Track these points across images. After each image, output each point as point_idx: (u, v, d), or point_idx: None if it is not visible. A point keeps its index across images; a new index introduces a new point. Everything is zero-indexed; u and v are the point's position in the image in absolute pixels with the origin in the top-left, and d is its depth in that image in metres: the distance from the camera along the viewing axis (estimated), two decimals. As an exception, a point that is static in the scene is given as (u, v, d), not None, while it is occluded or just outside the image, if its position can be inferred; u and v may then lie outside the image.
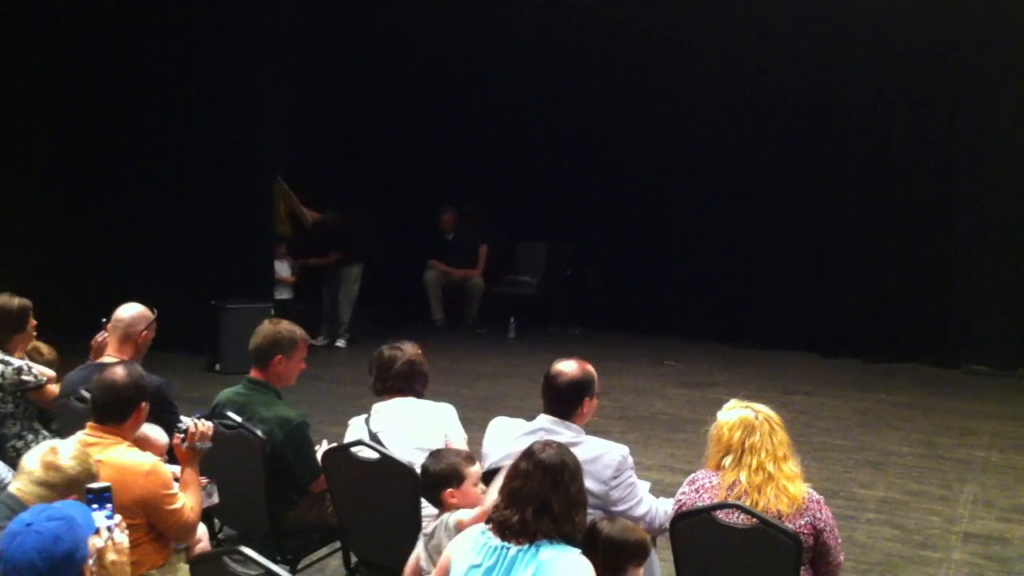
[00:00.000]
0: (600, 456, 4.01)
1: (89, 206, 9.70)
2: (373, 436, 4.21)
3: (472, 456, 3.74)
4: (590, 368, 4.24)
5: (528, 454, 3.31)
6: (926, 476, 6.56)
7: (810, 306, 10.02)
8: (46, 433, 5.11)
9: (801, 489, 3.56)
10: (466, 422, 4.65)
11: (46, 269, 9.20)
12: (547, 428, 4.11)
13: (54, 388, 5.06)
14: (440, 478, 3.65)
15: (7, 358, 5.13)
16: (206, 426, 3.90)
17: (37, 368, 5.17)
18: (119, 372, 3.78)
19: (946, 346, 9.39)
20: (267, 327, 4.55)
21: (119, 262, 9.41)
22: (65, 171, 9.76)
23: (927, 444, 7.20)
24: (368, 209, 10.80)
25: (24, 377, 5.06)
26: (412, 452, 4.08)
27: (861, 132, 9.77)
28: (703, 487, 3.74)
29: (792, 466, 3.58)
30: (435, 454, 3.78)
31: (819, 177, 9.99)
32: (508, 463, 3.89)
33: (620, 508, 4.07)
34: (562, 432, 4.08)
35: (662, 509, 4.12)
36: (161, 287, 8.69)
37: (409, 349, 4.48)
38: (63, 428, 4.70)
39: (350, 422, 4.43)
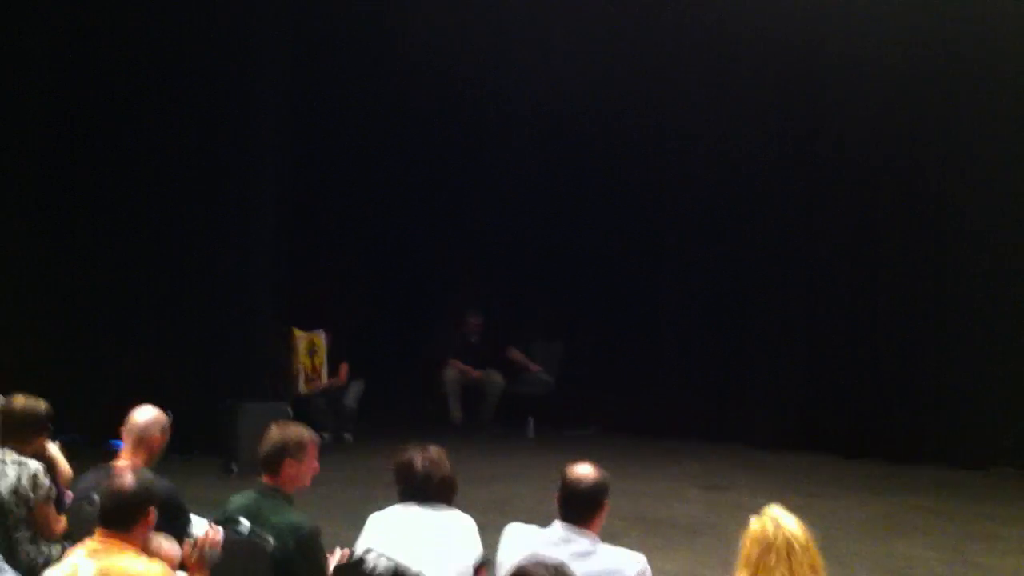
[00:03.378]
0: (617, 567, 3.94)
1: (102, 305, 9.69)
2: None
3: None
4: (605, 472, 4.20)
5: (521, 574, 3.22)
6: (954, 584, 6.41)
7: (833, 407, 9.89)
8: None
9: None
10: (481, 527, 4.59)
11: (58, 369, 9.16)
12: (563, 536, 4.05)
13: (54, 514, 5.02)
14: None
15: (24, 460, 5.10)
16: (216, 534, 3.85)
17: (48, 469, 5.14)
18: (127, 478, 3.76)
19: (972, 447, 9.23)
20: (275, 431, 4.52)
21: (132, 361, 9.37)
22: (77, 270, 9.77)
23: (954, 550, 7.03)
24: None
25: (40, 480, 5.02)
26: (435, 565, 4.02)
27: (869, 224, 9.76)
28: (722, 599, 3.65)
29: None
30: None
31: (835, 276, 9.95)
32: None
33: (638, 621, 3.99)
34: (577, 540, 4.02)
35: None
36: (175, 387, 8.70)
37: (444, 462, 4.42)
38: (75, 532, 4.66)
39: (370, 518, 4.38)
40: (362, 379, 10.16)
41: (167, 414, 4.99)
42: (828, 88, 9.72)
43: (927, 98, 9.35)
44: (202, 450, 8.94)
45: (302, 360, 9.83)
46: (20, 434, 5.16)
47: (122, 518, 3.68)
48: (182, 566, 3.92)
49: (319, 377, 9.92)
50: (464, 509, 4.55)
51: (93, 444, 6.54)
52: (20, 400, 5.21)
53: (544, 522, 4.17)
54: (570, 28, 10.24)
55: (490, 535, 4.32)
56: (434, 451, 4.43)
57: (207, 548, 3.81)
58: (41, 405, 5.24)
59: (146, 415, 4.88)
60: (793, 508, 3.67)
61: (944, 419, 9.38)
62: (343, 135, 11.01)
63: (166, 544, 4.00)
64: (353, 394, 10.10)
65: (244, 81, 9.55)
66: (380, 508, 4.44)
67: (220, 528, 3.91)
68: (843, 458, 9.52)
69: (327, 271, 11.03)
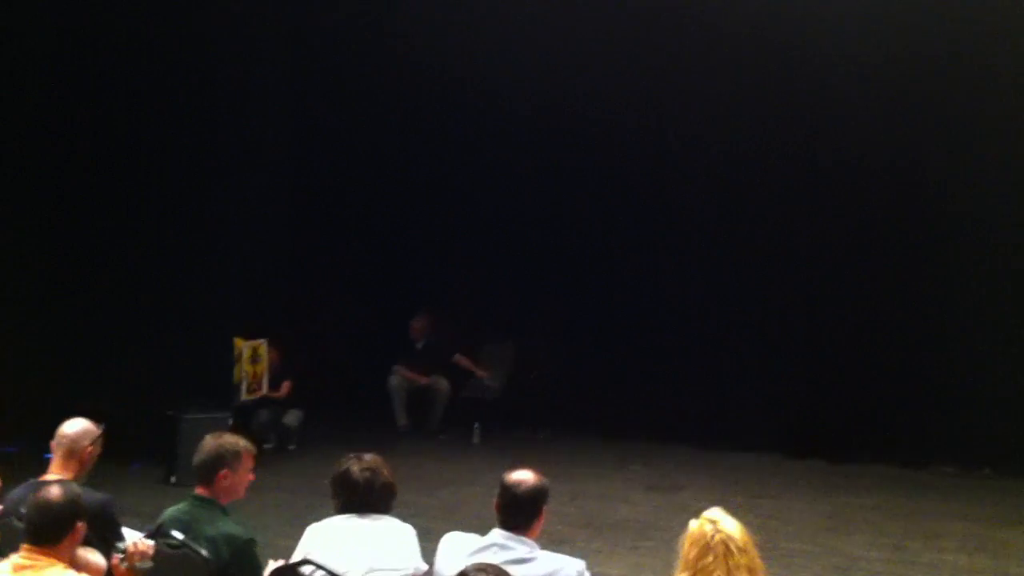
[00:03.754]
0: (556, 572, 3.92)
1: (43, 314, 9.55)
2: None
3: None
4: (543, 478, 4.18)
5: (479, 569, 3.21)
6: (895, 582, 6.46)
7: (776, 407, 9.94)
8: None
9: None
10: (427, 532, 4.55)
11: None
12: (500, 543, 4.02)
13: None
14: None
15: None
16: (146, 545, 3.79)
17: None
18: (54, 492, 3.68)
19: (913, 447, 9.33)
20: (209, 441, 4.47)
21: (72, 369, 9.25)
22: (17, 275, 9.61)
23: (895, 548, 7.09)
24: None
25: None
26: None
27: (824, 225, 9.80)
28: (664, 601, 3.63)
29: None
30: None
31: (784, 277, 10.01)
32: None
33: (578, 626, 3.97)
34: (516, 547, 4.00)
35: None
36: (115, 396, 8.59)
37: (382, 469, 4.36)
38: (4, 547, 4.55)
39: (307, 529, 4.32)
40: (301, 410, 10.04)
41: (99, 425, 4.89)
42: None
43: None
44: (143, 459, 8.84)
45: (245, 368, 9.72)
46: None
47: (48, 533, 3.62)
48: None
49: (260, 386, 9.81)
50: (411, 516, 4.51)
51: (31, 456, 6.41)
52: None
53: (490, 529, 4.14)
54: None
55: (436, 542, 4.28)
56: (371, 459, 4.39)
57: (137, 560, 3.74)
58: None
59: (75, 427, 4.78)
60: (737, 508, 3.68)
61: (885, 418, 9.46)
62: (302, 141, 10.96)
63: (92, 557, 3.92)
64: (293, 416, 9.99)
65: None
66: (320, 518, 4.39)
67: (150, 540, 3.84)
68: (787, 458, 9.57)
69: (278, 279, 10.92)
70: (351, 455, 4.41)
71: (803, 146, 9.87)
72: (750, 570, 3.48)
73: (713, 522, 3.53)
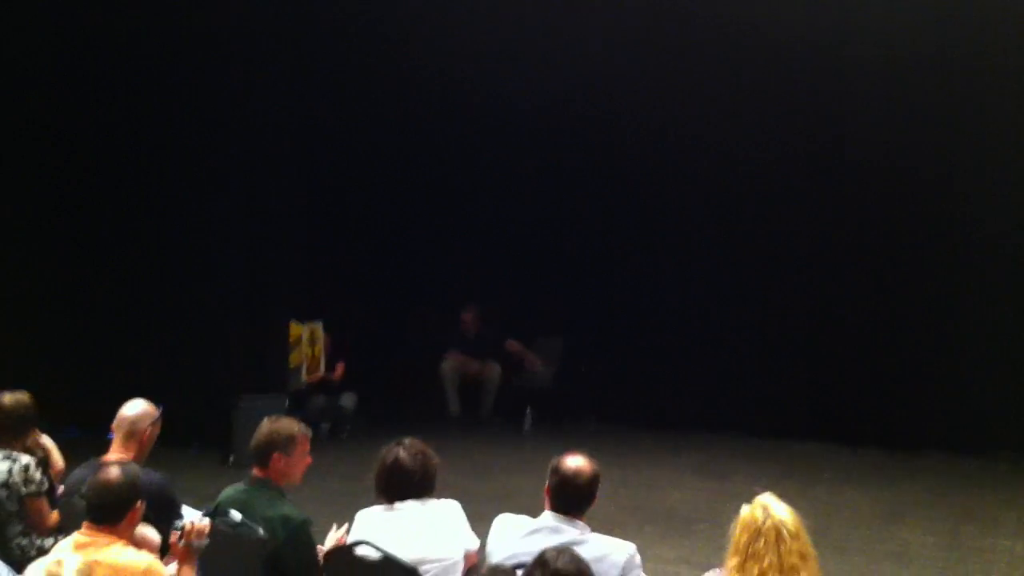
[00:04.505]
0: (606, 556, 3.94)
1: (99, 298, 9.72)
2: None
3: None
4: (597, 463, 4.20)
5: (542, 563, 3.24)
6: (950, 568, 6.41)
7: (830, 395, 9.89)
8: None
9: None
10: (479, 516, 4.58)
11: (54, 364, 9.20)
12: (552, 526, 4.05)
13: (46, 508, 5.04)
14: None
15: (15, 454, 5.12)
16: (203, 524, 3.87)
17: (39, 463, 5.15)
18: (113, 473, 3.78)
19: (969, 433, 9.23)
20: (265, 425, 4.54)
21: (131, 355, 9.40)
22: (77, 263, 9.80)
23: (951, 535, 7.04)
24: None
25: (31, 474, 5.03)
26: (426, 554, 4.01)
27: (870, 217, 9.73)
28: (715, 588, 3.64)
29: None
30: (478, 571, 3.61)
31: (831, 264, 9.92)
32: (512, 562, 3.83)
33: (629, 607, 3.99)
34: (567, 530, 4.03)
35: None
36: (174, 380, 8.72)
37: (428, 451, 4.38)
38: (66, 526, 4.68)
39: (357, 515, 4.37)
40: (355, 392, 10.14)
41: (158, 407, 4.99)
42: (834, 82, 9.63)
43: (927, 92, 9.26)
44: (201, 443, 8.99)
45: (304, 350, 9.85)
46: (9, 429, 5.17)
47: (107, 512, 3.71)
48: (163, 554, 3.95)
49: (319, 367, 9.93)
50: (462, 501, 4.53)
51: (92, 438, 6.55)
52: (8, 397, 5.23)
53: (541, 513, 4.16)
54: (574, 23, 10.19)
55: (488, 526, 4.31)
56: (414, 442, 4.39)
57: (194, 538, 3.83)
58: (26, 399, 5.26)
59: (135, 409, 4.89)
60: (790, 496, 3.67)
61: (941, 406, 9.36)
62: (344, 129, 10.99)
63: (147, 533, 4.02)
64: (348, 399, 10.09)
65: (244, 78, 9.58)
66: (374, 502, 4.42)
67: (207, 518, 3.92)
68: (841, 446, 9.49)
69: (328, 266, 10.99)
70: (392, 443, 4.39)
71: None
72: (802, 556, 3.47)
73: (765, 508, 3.53)
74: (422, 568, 3.99)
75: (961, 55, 9.10)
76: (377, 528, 4.19)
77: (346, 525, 4.35)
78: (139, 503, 3.76)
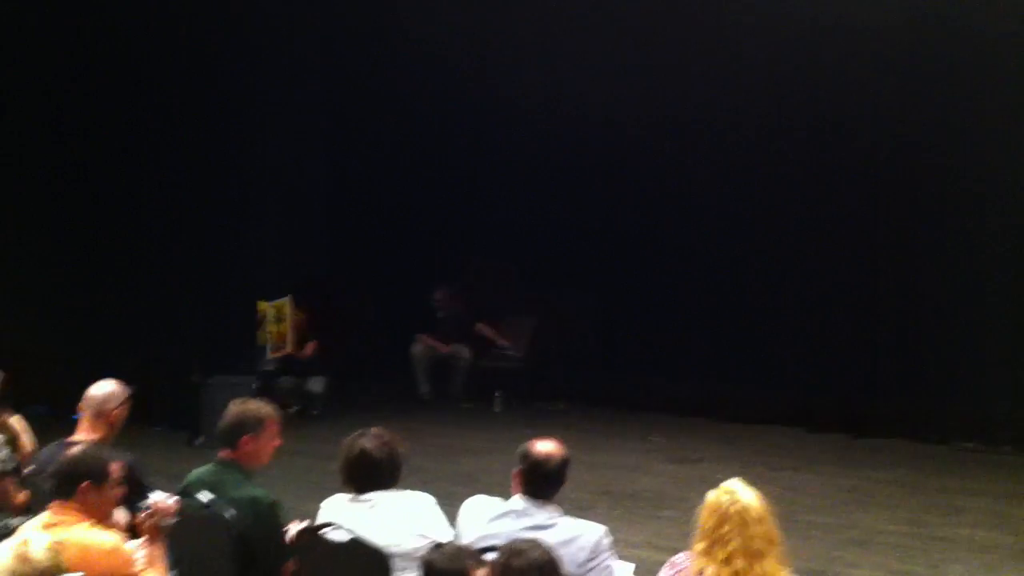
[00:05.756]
0: (575, 538, 3.96)
1: (68, 276, 9.66)
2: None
3: (481, 559, 3.53)
4: (566, 448, 4.22)
5: (516, 552, 3.25)
6: (912, 556, 6.46)
7: (796, 380, 9.97)
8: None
9: None
10: (450, 497, 4.59)
11: (24, 341, 9.12)
12: (521, 510, 4.07)
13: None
14: None
15: None
16: (169, 503, 3.87)
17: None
18: (74, 452, 3.78)
19: (934, 422, 9.32)
20: (234, 407, 4.53)
21: (101, 333, 9.36)
22: (48, 242, 9.73)
23: (913, 522, 7.11)
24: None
25: None
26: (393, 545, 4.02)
27: (848, 197, 9.78)
28: (682, 570, 3.67)
29: (770, 563, 3.45)
30: (442, 549, 3.59)
31: (803, 247, 9.99)
32: (481, 545, 3.85)
33: (597, 590, 4.02)
34: (536, 514, 4.05)
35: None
36: (143, 359, 8.70)
37: (395, 441, 4.35)
38: (35, 506, 4.65)
39: (324, 503, 4.36)
40: (324, 376, 10.12)
41: (128, 388, 4.97)
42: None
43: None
44: (169, 422, 8.96)
45: (269, 328, 9.82)
46: (-25, 408, 5.14)
47: (65, 490, 3.71)
48: (132, 535, 3.95)
49: (284, 344, 9.90)
50: (432, 482, 4.55)
51: (61, 417, 6.52)
52: None
53: (511, 495, 4.18)
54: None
55: (458, 508, 4.31)
56: (380, 431, 4.33)
57: (160, 516, 3.83)
58: None
59: (103, 389, 4.87)
60: (756, 480, 3.70)
61: (908, 394, 9.46)
62: (325, 105, 10.96)
63: (116, 515, 4.01)
64: (317, 383, 10.08)
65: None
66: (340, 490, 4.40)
67: (173, 497, 3.92)
68: (808, 432, 9.57)
69: (297, 244, 10.97)
70: (356, 434, 4.33)
71: (818, 117, 9.83)
72: (767, 540, 3.51)
73: (730, 492, 3.57)
74: (391, 559, 3.98)
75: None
76: (345, 516, 4.18)
77: (307, 521, 4.34)
78: (100, 486, 3.74)
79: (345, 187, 11.52)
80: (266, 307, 9.76)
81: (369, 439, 4.27)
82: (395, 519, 4.13)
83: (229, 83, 9.68)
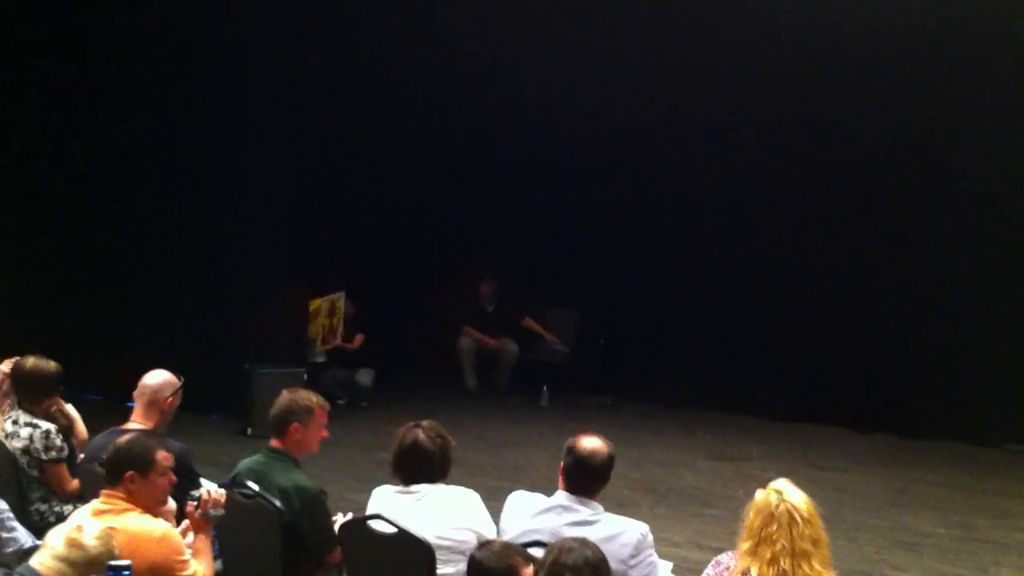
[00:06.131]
0: (618, 535, 3.97)
1: (121, 267, 9.79)
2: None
3: (530, 557, 3.53)
4: (611, 445, 4.22)
5: (567, 549, 3.26)
6: (961, 559, 6.41)
7: (846, 380, 9.88)
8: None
9: None
10: (494, 491, 4.62)
11: (78, 331, 9.28)
12: (565, 505, 4.08)
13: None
14: (496, 574, 3.43)
15: (37, 421, 5.18)
16: (219, 493, 3.92)
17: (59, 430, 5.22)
18: (127, 440, 3.84)
19: (985, 423, 9.22)
20: (284, 396, 4.58)
21: (152, 324, 9.47)
22: (100, 232, 9.86)
23: (963, 525, 7.04)
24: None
25: (51, 440, 5.10)
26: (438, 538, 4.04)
27: (884, 202, 9.68)
28: (727, 569, 3.66)
29: (816, 564, 3.42)
30: (490, 546, 3.55)
31: (851, 251, 9.89)
32: (524, 540, 3.87)
33: (641, 588, 4.03)
34: (580, 510, 4.06)
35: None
36: (196, 348, 8.80)
37: (446, 434, 4.37)
38: (86, 492, 4.74)
39: (374, 492, 4.40)
40: (372, 368, 10.20)
41: (179, 377, 5.05)
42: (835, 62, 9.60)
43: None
44: (221, 411, 9.07)
45: (321, 321, 9.92)
46: (32, 395, 5.24)
47: (117, 479, 3.78)
48: (179, 522, 4.02)
49: (335, 337, 9.99)
50: (478, 476, 4.58)
51: (113, 405, 6.63)
52: (31, 361, 5.29)
53: (555, 490, 4.19)
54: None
55: (502, 502, 4.33)
56: (434, 426, 4.36)
57: (210, 507, 3.88)
58: (52, 366, 5.32)
59: (157, 378, 4.95)
60: (803, 480, 3.69)
61: (958, 395, 9.34)
62: (374, 101, 10.99)
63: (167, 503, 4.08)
64: (366, 375, 10.16)
65: (269, 43, 9.65)
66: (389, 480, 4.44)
67: (222, 488, 3.98)
68: (856, 432, 9.50)
69: (347, 237, 11.02)
70: (411, 424, 4.37)
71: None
72: (814, 541, 3.49)
73: (779, 492, 3.55)
74: (436, 550, 4.00)
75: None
76: (392, 507, 4.21)
77: (350, 514, 4.38)
78: (146, 475, 3.80)
79: (392, 182, 11.55)
80: (319, 302, 9.85)
81: (423, 431, 4.30)
82: (441, 512, 4.16)
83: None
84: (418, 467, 4.26)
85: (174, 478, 3.99)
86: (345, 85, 10.66)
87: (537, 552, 3.55)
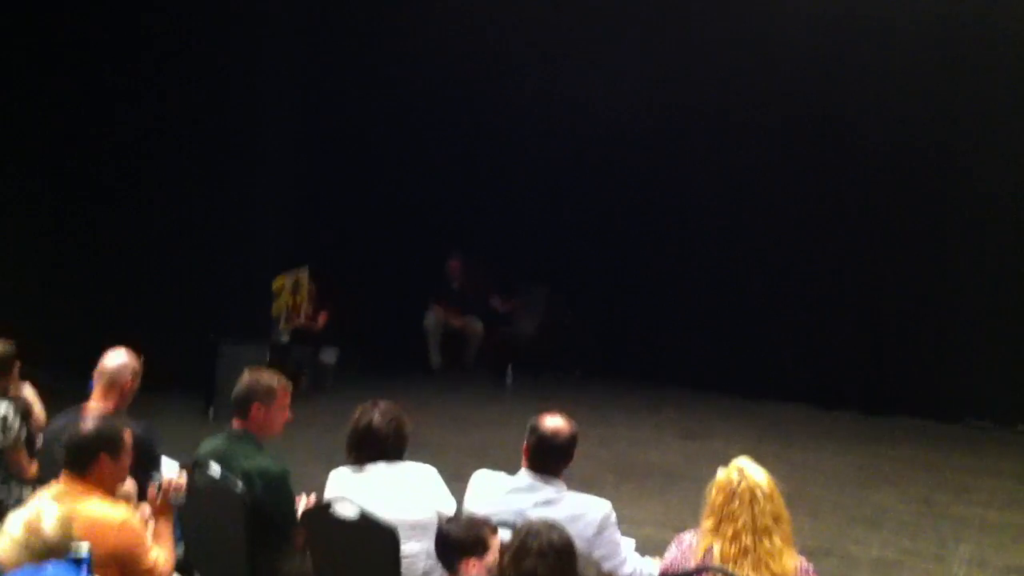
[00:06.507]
0: (582, 514, 3.97)
1: (83, 240, 9.68)
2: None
3: (496, 527, 3.64)
4: (574, 423, 4.22)
5: (534, 532, 3.26)
6: (922, 534, 6.48)
7: (810, 357, 9.94)
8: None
9: (786, 566, 3.46)
10: (459, 470, 4.60)
11: (37, 305, 9.16)
12: (531, 484, 4.08)
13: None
14: (465, 545, 3.55)
15: None
16: (180, 479, 3.88)
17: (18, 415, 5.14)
18: (87, 423, 3.79)
19: (947, 400, 9.30)
20: (246, 376, 4.54)
21: (115, 299, 9.38)
22: (56, 204, 9.74)
23: (924, 501, 7.11)
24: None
25: (8, 423, 5.03)
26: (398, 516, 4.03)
27: (857, 183, 9.72)
28: (690, 547, 3.68)
29: (777, 540, 3.46)
30: (458, 520, 3.67)
31: (816, 228, 9.94)
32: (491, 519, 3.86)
33: (604, 566, 4.04)
34: (544, 488, 4.06)
35: (647, 570, 4.08)
36: (158, 324, 8.72)
37: (402, 415, 4.36)
38: (46, 475, 4.67)
39: (331, 474, 4.37)
40: (336, 347, 10.13)
41: (139, 358, 4.98)
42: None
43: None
44: (182, 389, 8.98)
45: (285, 298, 9.83)
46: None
47: (81, 462, 3.72)
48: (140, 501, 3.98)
49: (299, 314, 9.91)
50: (442, 455, 4.55)
51: (73, 381, 6.55)
52: None
53: (520, 469, 4.19)
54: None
55: (466, 481, 4.33)
56: (388, 406, 4.35)
57: (172, 492, 3.84)
58: (4, 346, 5.23)
59: (117, 359, 4.88)
60: (769, 458, 3.72)
61: (921, 372, 9.43)
62: (336, 77, 10.91)
63: (125, 484, 4.03)
64: (330, 354, 10.08)
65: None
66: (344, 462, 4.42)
67: (184, 472, 3.93)
68: (820, 409, 9.57)
69: (316, 214, 10.95)
70: (365, 405, 4.36)
71: (818, 106, 9.72)
72: (775, 517, 3.53)
73: (740, 470, 3.59)
74: (398, 528, 3.99)
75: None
76: (349, 489, 4.19)
77: (313, 494, 4.36)
78: (117, 457, 3.75)
79: (355, 156, 11.46)
80: (283, 280, 9.76)
81: (378, 412, 4.28)
82: (398, 490, 4.15)
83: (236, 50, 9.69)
84: (371, 448, 4.27)
85: (132, 458, 3.94)
86: (318, 63, 10.59)
87: (503, 533, 3.55)
